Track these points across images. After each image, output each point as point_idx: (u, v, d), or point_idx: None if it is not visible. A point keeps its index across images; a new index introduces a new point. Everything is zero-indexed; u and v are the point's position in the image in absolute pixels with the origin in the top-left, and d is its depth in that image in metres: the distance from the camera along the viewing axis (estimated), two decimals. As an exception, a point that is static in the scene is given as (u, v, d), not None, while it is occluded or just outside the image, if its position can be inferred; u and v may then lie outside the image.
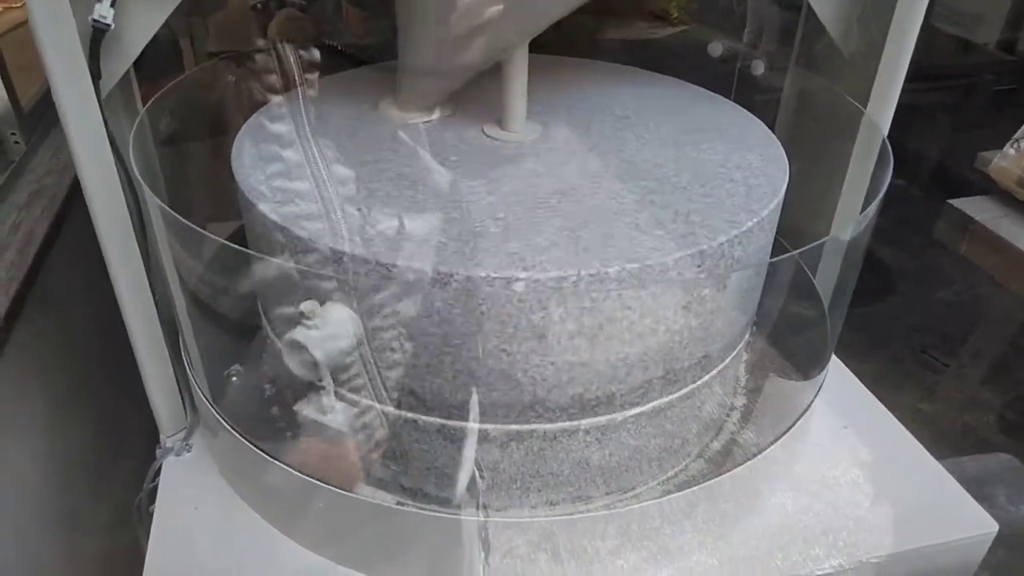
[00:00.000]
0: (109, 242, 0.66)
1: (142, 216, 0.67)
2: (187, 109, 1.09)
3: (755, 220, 0.61)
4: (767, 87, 0.90)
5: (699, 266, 0.58)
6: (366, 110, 0.79)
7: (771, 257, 0.68)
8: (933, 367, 2.08)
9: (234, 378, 0.79)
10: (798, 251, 0.55)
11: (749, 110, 0.82)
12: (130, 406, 0.80)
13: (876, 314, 2.22)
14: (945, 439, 1.84)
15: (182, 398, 0.75)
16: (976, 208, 1.76)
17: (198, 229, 0.57)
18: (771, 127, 0.78)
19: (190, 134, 1.16)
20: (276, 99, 0.80)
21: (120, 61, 0.63)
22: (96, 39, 0.59)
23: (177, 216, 0.58)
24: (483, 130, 0.76)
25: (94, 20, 0.59)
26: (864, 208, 0.74)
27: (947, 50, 2.34)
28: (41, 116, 1.18)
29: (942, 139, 2.40)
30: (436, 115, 0.78)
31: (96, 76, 0.61)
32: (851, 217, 0.80)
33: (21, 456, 0.88)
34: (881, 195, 0.61)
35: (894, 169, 0.65)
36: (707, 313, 0.61)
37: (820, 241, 0.63)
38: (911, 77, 0.77)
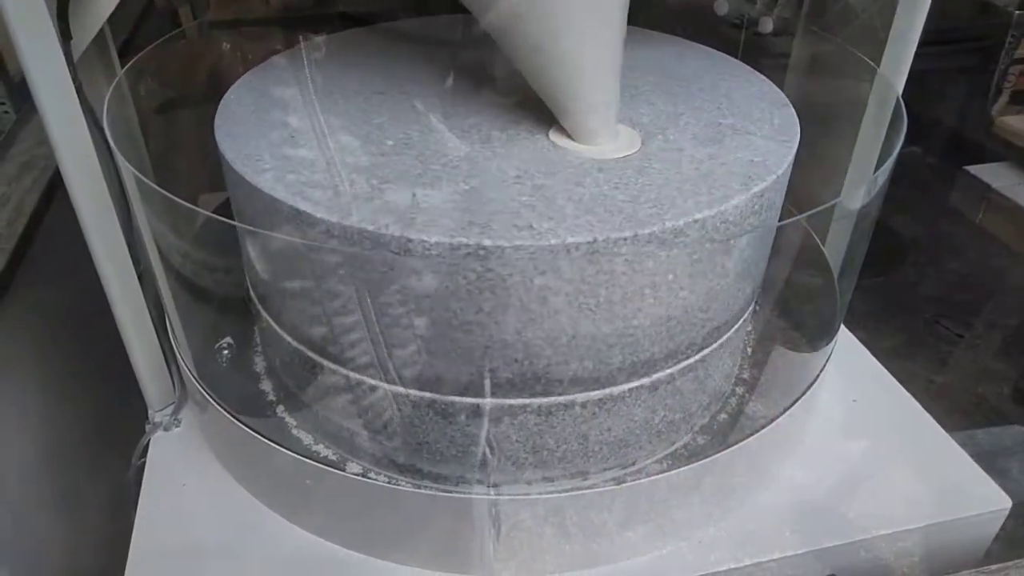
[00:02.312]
0: (88, 215, 0.64)
1: (122, 187, 0.65)
2: (179, 75, 1.06)
3: (772, 178, 0.58)
4: (777, 49, 0.86)
5: (715, 229, 0.55)
6: (368, 69, 0.75)
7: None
8: (947, 338, 2.05)
9: (225, 351, 0.77)
10: (805, 214, 0.52)
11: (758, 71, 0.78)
12: (126, 381, 0.78)
13: (888, 284, 2.18)
14: (958, 411, 1.81)
15: (170, 372, 0.73)
16: (993, 175, 1.71)
17: (173, 197, 0.55)
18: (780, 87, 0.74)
19: (185, 101, 1.14)
20: (268, 60, 0.76)
21: (91, 20, 0.60)
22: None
23: (156, 187, 0.55)
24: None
25: (60, -24, 0.56)
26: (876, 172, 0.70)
27: (964, 11, 2.26)
28: (30, 86, 1.16)
29: (959, 104, 2.33)
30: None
31: (67, 37, 0.58)
32: (862, 181, 0.76)
33: (15, 433, 0.87)
34: (894, 156, 0.57)
35: (908, 135, 0.62)
36: (717, 279, 0.59)
37: (829, 204, 0.60)
38: (926, 40, 0.73)
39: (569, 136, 0.63)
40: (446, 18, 0.89)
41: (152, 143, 0.88)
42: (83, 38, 0.60)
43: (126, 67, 0.69)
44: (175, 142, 1.11)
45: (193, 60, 1.19)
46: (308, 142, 0.63)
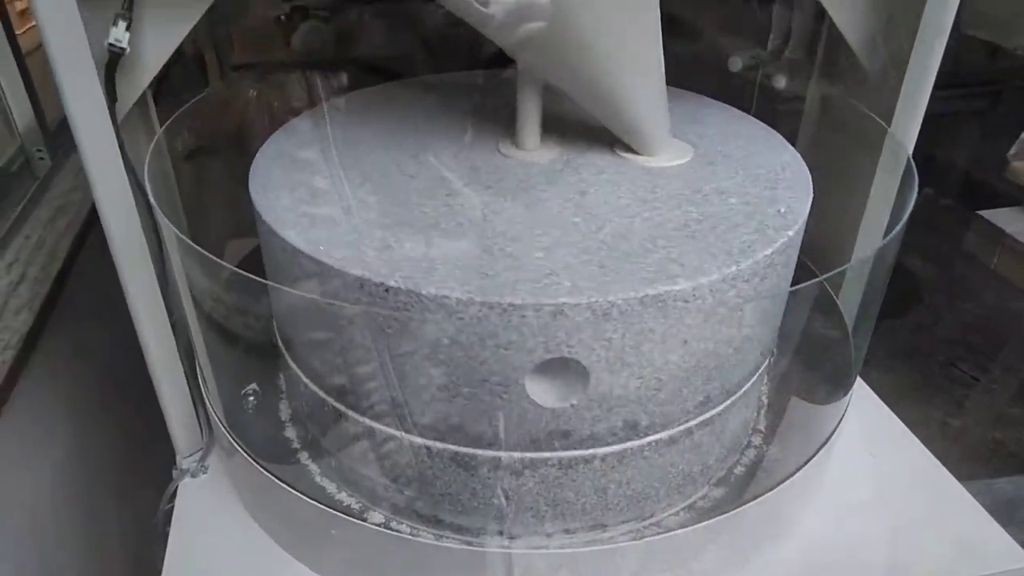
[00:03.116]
0: (125, 264, 0.66)
1: (159, 237, 0.67)
2: (208, 124, 1.09)
3: (787, 236, 0.60)
4: (789, 98, 0.88)
5: (734, 286, 0.56)
6: (388, 128, 0.78)
7: (794, 274, 0.66)
8: (963, 381, 2.03)
9: (251, 398, 0.79)
10: (817, 279, 0.53)
11: (770, 123, 0.80)
12: (152, 422, 0.80)
13: (904, 325, 2.18)
14: (975, 456, 1.80)
15: (198, 419, 0.75)
16: (1007, 220, 1.72)
17: (213, 258, 0.57)
18: (792, 141, 0.76)
19: (210, 149, 1.17)
20: (297, 118, 0.80)
21: (136, 84, 0.63)
22: (111, 63, 0.60)
23: (193, 244, 0.57)
24: (498, 148, 0.75)
25: (110, 44, 0.59)
26: (889, 229, 0.72)
27: (976, 55, 2.29)
28: (67, 132, 1.20)
29: (971, 147, 2.35)
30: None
31: (112, 100, 0.61)
32: (875, 238, 0.78)
33: (44, 471, 0.89)
34: (905, 219, 0.59)
35: (921, 177, 0.64)
36: (732, 336, 0.60)
37: (838, 270, 0.62)
38: (939, 84, 0.75)
39: (634, 152, 0.73)
40: (465, 74, 0.93)
41: (182, 187, 0.91)
42: (127, 100, 0.63)
43: (164, 125, 0.72)
44: (204, 187, 1.14)
45: (221, 108, 1.23)
46: (332, 199, 0.66)
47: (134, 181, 0.64)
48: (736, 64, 0.88)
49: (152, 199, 0.62)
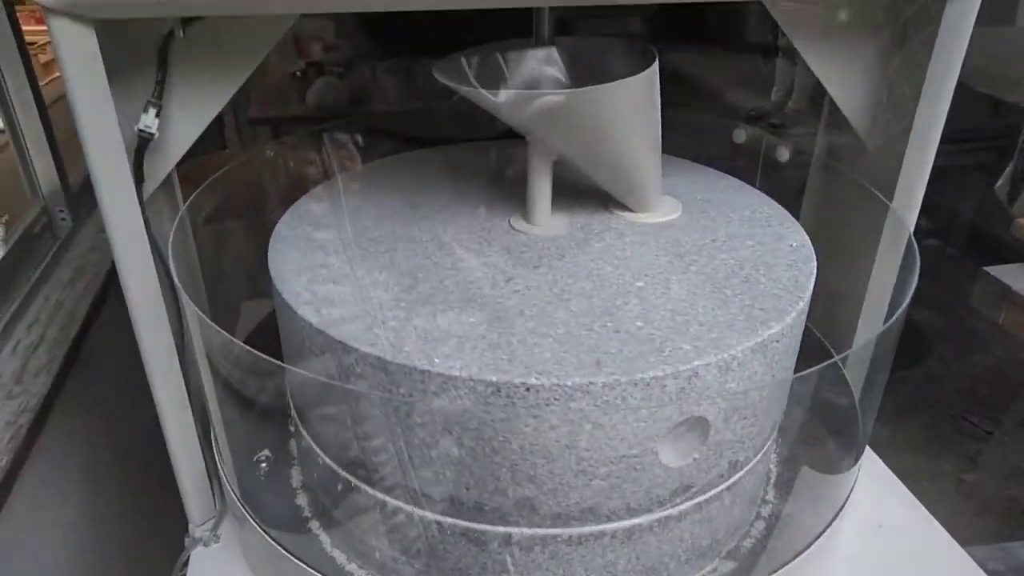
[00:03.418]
0: (145, 332, 0.68)
1: (179, 309, 0.69)
2: (225, 186, 1.12)
3: (793, 314, 0.61)
4: (795, 164, 0.90)
5: (744, 363, 0.58)
6: (401, 202, 0.81)
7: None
8: (975, 434, 2.02)
9: (263, 464, 0.80)
10: (820, 366, 0.54)
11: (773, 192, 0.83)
12: (165, 487, 0.81)
13: (912, 377, 2.17)
14: (990, 512, 1.77)
15: (211, 487, 0.76)
16: (1013, 276, 1.73)
17: (236, 341, 0.59)
18: (796, 210, 0.79)
19: (228, 210, 1.20)
20: (312, 190, 0.82)
21: (162, 166, 0.66)
22: (141, 147, 0.62)
23: (215, 327, 0.59)
24: (509, 223, 0.77)
25: (140, 130, 0.62)
26: (892, 304, 0.73)
27: (980, 110, 2.33)
28: (88, 193, 1.24)
29: (976, 200, 2.37)
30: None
31: (139, 181, 0.63)
32: (880, 307, 0.79)
33: (57, 534, 0.90)
34: (907, 302, 0.60)
35: (928, 228, 0.65)
36: (741, 412, 0.61)
37: (841, 355, 0.63)
38: (943, 139, 0.76)
39: (630, 210, 0.79)
40: (475, 145, 0.96)
41: (199, 246, 0.93)
42: (154, 181, 0.65)
43: (188, 202, 0.75)
44: (222, 248, 1.17)
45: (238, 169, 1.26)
46: (346, 276, 0.68)
47: (157, 256, 0.66)
48: (740, 136, 0.90)
49: (176, 279, 0.64)
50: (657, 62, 0.66)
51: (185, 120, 0.64)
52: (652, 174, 0.77)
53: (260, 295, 1.04)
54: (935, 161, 0.76)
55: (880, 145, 0.78)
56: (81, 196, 1.21)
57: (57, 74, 0.61)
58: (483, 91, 0.61)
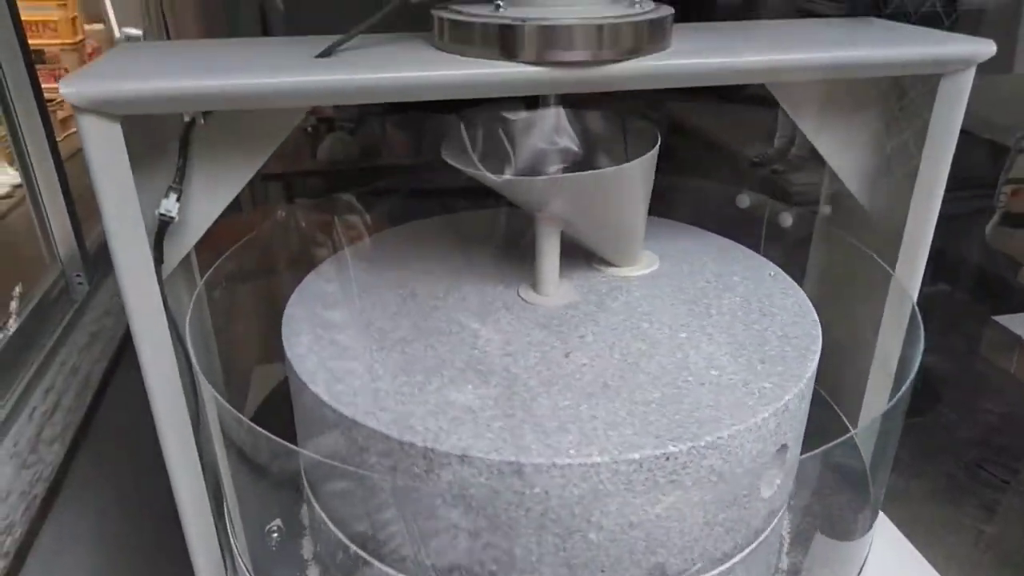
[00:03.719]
0: (161, 407, 0.69)
1: (195, 385, 0.70)
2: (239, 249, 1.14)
3: (800, 385, 0.62)
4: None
5: (759, 434, 0.58)
6: (411, 273, 0.82)
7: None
8: (991, 484, 1.99)
9: (275, 534, 0.80)
10: (824, 448, 0.55)
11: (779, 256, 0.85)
12: (177, 557, 0.81)
13: (925, 425, 2.15)
14: (1011, 565, 1.74)
15: (224, 560, 0.76)
16: (1023, 326, 1.73)
17: (251, 424, 0.60)
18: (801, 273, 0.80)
19: (241, 273, 1.22)
20: (320, 266, 0.84)
21: (182, 246, 0.68)
22: (161, 231, 0.64)
23: (233, 410, 0.60)
24: (518, 293, 0.78)
25: (160, 214, 0.64)
26: (899, 373, 0.74)
27: (983, 157, 2.35)
28: (105, 257, 1.26)
29: (983, 246, 2.38)
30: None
31: (159, 262, 0.65)
32: (887, 374, 0.79)
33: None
34: (914, 375, 0.61)
35: (937, 273, 0.66)
36: (752, 486, 0.61)
37: (845, 436, 0.64)
38: (950, 187, 0.78)
39: (612, 264, 0.83)
40: (483, 213, 0.98)
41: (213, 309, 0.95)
42: (173, 260, 0.67)
43: (205, 277, 0.76)
44: (235, 310, 1.19)
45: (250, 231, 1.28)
46: (358, 351, 0.69)
47: (174, 333, 0.68)
48: (744, 201, 0.92)
49: (194, 360, 0.65)
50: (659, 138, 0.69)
51: (204, 203, 0.66)
52: (641, 230, 0.81)
53: (273, 359, 1.05)
54: (943, 209, 0.77)
55: (882, 211, 0.80)
56: (98, 259, 1.23)
57: (74, 129, 0.64)
58: (492, 176, 0.63)
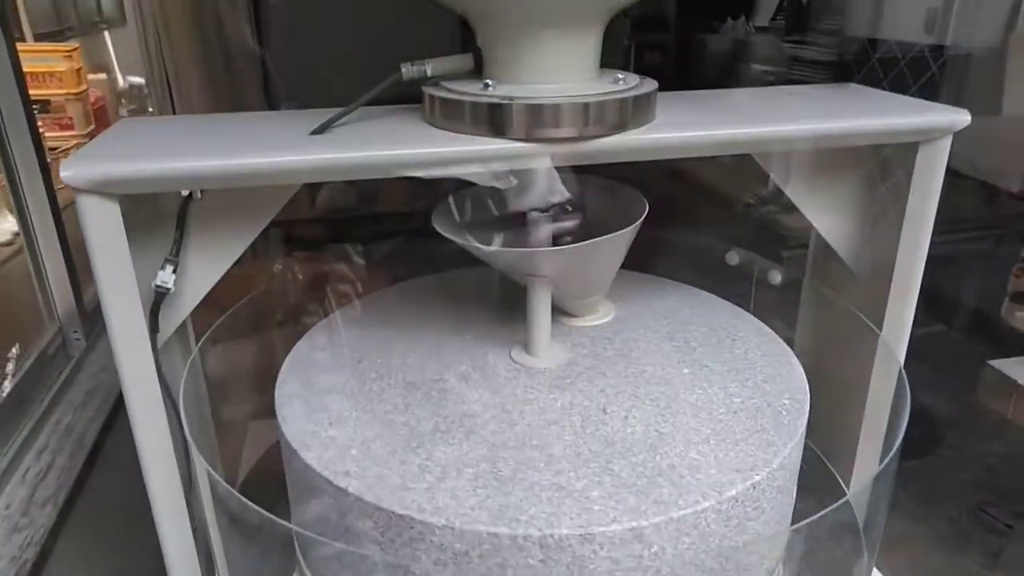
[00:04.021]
0: (153, 474, 0.69)
1: (187, 450, 0.71)
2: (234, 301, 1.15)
3: (788, 448, 0.62)
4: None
5: (756, 499, 0.59)
6: (403, 335, 0.83)
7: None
8: (995, 528, 1.97)
9: (265, 600, 0.79)
10: (814, 517, 0.55)
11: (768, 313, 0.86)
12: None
13: (926, 467, 2.13)
14: (1018, 614, 1.71)
15: (213, 628, 0.76)
16: (1019, 371, 1.73)
17: (242, 499, 0.60)
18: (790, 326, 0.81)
19: (236, 328, 1.23)
20: (311, 331, 0.84)
21: (177, 316, 0.69)
22: (157, 302, 0.65)
23: (228, 487, 0.60)
24: (510, 355, 0.79)
25: (157, 286, 0.65)
26: (889, 432, 0.74)
27: (974, 198, 2.38)
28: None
29: (977, 287, 2.39)
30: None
31: (155, 332, 0.66)
32: (878, 430, 0.80)
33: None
34: (899, 442, 0.61)
35: (933, 313, 0.66)
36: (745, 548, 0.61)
37: (835, 504, 0.64)
38: (940, 230, 0.79)
39: (572, 315, 0.85)
40: (474, 273, 0.99)
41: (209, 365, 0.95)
42: (168, 330, 0.68)
43: (199, 343, 0.77)
44: (228, 366, 1.19)
45: (247, 283, 1.29)
46: (350, 417, 0.69)
47: (168, 401, 0.69)
48: (733, 259, 0.93)
49: (187, 431, 0.65)
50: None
51: (200, 274, 0.67)
52: (609, 284, 0.84)
53: (269, 415, 1.05)
54: (937, 250, 0.79)
55: (868, 273, 0.81)
56: (95, 315, 1.24)
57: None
58: (483, 247, 0.65)
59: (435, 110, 0.65)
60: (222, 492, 0.64)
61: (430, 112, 0.66)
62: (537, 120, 0.60)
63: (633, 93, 0.63)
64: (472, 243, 0.67)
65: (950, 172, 0.75)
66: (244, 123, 0.71)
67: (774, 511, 0.65)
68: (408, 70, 0.64)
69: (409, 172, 0.61)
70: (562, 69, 0.63)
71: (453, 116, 0.63)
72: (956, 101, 0.74)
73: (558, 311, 0.83)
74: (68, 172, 0.55)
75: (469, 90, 0.63)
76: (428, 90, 0.66)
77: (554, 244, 0.74)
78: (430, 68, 0.65)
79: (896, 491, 0.78)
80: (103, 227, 0.58)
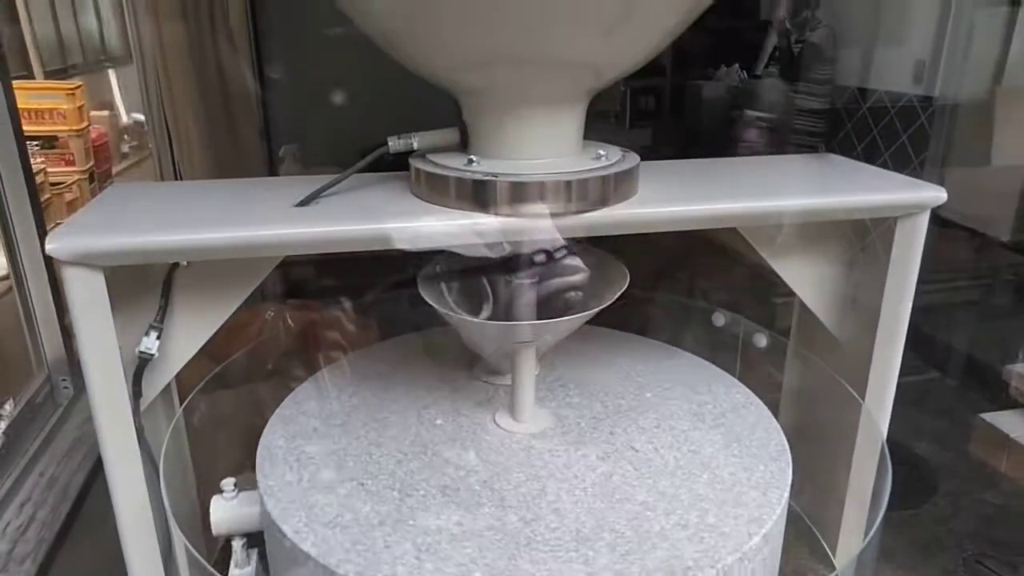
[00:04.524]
0: (131, 541, 0.69)
1: (165, 514, 0.70)
2: (222, 352, 1.15)
3: (772, 521, 0.62)
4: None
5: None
6: (387, 396, 0.83)
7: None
8: (992, 580, 1.94)
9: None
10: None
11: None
12: None
13: (921, 517, 2.11)
14: (1016, 672, 1.68)
15: None
16: (1011, 425, 1.73)
17: (208, 567, 0.60)
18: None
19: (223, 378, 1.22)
20: (295, 392, 0.84)
21: (159, 381, 0.69)
22: (140, 368, 0.66)
23: (205, 563, 0.60)
24: (494, 419, 0.79)
25: (140, 352, 0.65)
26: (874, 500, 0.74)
27: (965, 247, 2.40)
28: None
29: (970, 335, 2.40)
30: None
31: (137, 397, 0.66)
32: (862, 501, 0.80)
33: None
34: (883, 511, 0.61)
35: (927, 359, 0.66)
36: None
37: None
38: (928, 279, 0.79)
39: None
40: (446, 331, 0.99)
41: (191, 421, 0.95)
42: (151, 395, 0.68)
43: (183, 405, 0.77)
44: (212, 419, 1.18)
45: (235, 335, 1.29)
46: (331, 486, 0.69)
47: (150, 464, 0.68)
48: (719, 320, 0.94)
49: (167, 504, 0.65)
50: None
51: (184, 340, 0.68)
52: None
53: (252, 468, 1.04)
54: (929, 298, 0.79)
55: (851, 340, 0.82)
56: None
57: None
58: (470, 318, 0.65)
59: (421, 182, 0.66)
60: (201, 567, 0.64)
61: (416, 182, 0.67)
62: (520, 197, 0.61)
63: (615, 169, 0.64)
64: (456, 315, 0.67)
65: (942, 222, 0.76)
66: (232, 191, 0.72)
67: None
68: (395, 143, 0.65)
69: (393, 246, 0.62)
70: (545, 145, 0.64)
71: (439, 190, 0.64)
72: (946, 151, 0.76)
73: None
74: (54, 245, 0.56)
75: (454, 164, 0.64)
76: (415, 163, 0.67)
77: (554, 299, 0.74)
78: (416, 141, 0.66)
79: (891, 540, 0.77)
80: (87, 297, 0.59)
